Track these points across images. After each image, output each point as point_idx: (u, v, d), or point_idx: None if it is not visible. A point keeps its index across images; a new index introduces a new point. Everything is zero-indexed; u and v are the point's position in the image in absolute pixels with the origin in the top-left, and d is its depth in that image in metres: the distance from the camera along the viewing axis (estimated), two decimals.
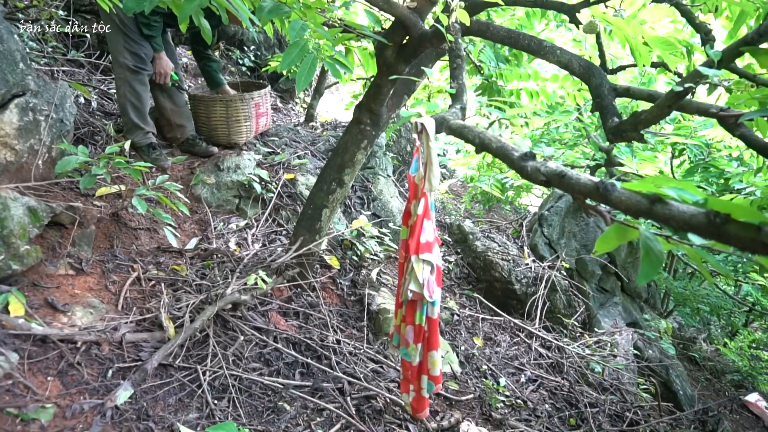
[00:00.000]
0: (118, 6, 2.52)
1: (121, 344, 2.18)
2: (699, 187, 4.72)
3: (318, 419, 2.27)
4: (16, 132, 2.54)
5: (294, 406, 2.28)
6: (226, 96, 3.65)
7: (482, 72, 4.42)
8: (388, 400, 2.50)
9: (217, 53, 5.56)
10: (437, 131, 1.54)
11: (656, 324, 5.32)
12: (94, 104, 3.58)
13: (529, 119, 5.46)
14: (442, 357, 2.99)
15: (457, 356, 3.22)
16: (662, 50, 2.28)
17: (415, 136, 1.53)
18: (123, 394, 1.95)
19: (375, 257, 3.45)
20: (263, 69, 5.38)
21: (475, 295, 4.10)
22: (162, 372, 2.17)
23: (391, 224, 3.95)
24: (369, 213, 3.93)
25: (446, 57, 2.66)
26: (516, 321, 3.93)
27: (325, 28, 2.07)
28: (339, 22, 2.24)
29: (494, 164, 6.42)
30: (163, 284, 2.59)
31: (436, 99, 4.41)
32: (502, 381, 3.18)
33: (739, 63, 2.21)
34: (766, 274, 6.12)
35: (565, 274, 4.46)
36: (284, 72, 5.25)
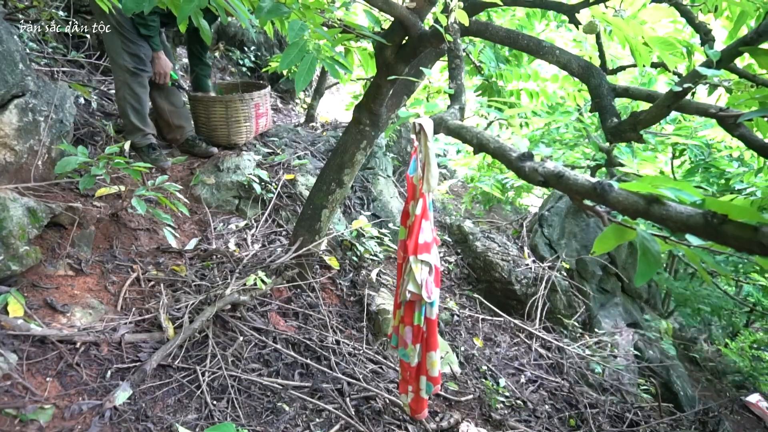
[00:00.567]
0: (117, 6, 2.52)
1: (120, 345, 2.18)
2: (699, 187, 4.72)
3: (317, 420, 2.27)
4: (16, 132, 2.54)
5: (293, 406, 2.28)
6: (225, 96, 3.65)
7: (482, 72, 4.42)
8: (388, 401, 2.50)
9: (217, 53, 5.56)
10: (435, 132, 1.54)
11: (657, 324, 5.31)
12: (94, 105, 3.58)
13: (529, 119, 5.46)
14: (441, 358, 2.99)
15: (457, 357, 3.21)
16: (662, 50, 2.27)
17: (413, 136, 1.53)
18: (122, 395, 1.95)
19: (375, 258, 3.45)
20: (263, 69, 5.39)
21: (475, 295, 4.09)
22: (161, 373, 2.17)
23: (390, 225, 3.95)
24: (369, 213, 3.93)
25: (446, 57, 2.66)
26: (516, 321, 3.92)
27: (325, 29, 2.07)
28: (338, 22, 2.24)
29: (494, 165, 6.41)
30: (162, 285, 2.59)
31: (435, 99, 4.42)
32: (502, 381, 3.18)
33: (739, 63, 2.21)
34: (767, 275, 6.11)
35: (565, 274, 4.46)
36: (284, 72, 5.26)
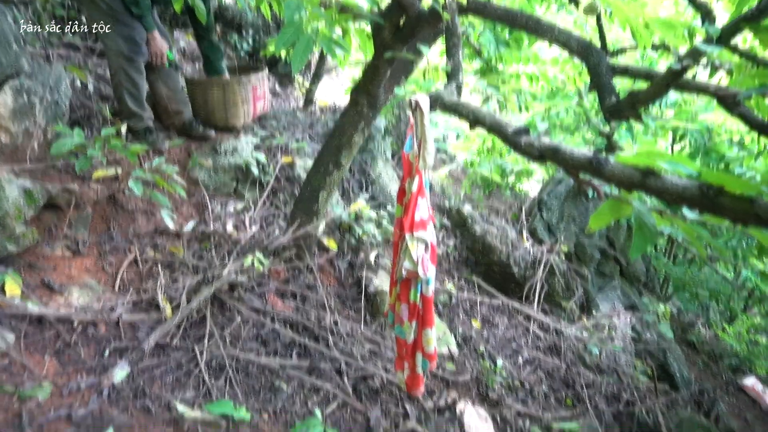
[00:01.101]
0: None
1: (118, 324, 2.19)
2: None
3: (315, 398, 2.28)
4: (11, 114, 2.53)
5: (291, 385, 2.29)
6: (223, 79, 3.62)
7: (482, 55, 4.38)
8: (385, 380, 2.52)
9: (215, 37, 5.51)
10: (432, 108, 1.53)
11: (654, 308, 5.33)
12: (90, 87, 3.56)
13: (529, 103, 5.43)
14: (439, 338, 3.01)
15: (455, 338, 3.23)
16: (663, 32, 2.25)
17: (409, 113, 1.52)
18: (120, 373, 1.97)
19: (373, 240, 3.45)
20: (261, 53, 5.34)
21: (474, 278, 4.10)
22: (159, 352, 2.18)
23: (389, 207, 3.94)
24: (367, 196, 3.93)
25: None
26: (514, 304, 3.94)
27: (322, 9, 2.04)
28: (335, 2, 2.21)
29: (495, 149, 6.40)
30: (160, 266, 2.59)
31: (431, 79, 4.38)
32: (499, 362, 3.20)
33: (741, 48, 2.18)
34: (765, 259, 6.12)
35: (563, 257, 4.46)
36: (282, 56, 5.22)
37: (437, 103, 1.51)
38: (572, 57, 4.07)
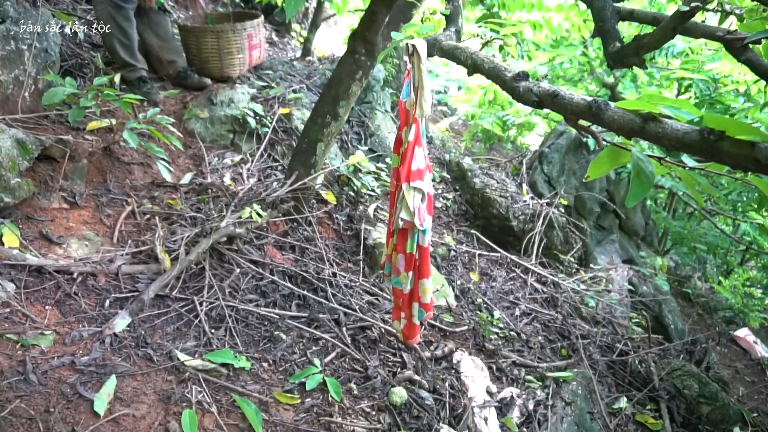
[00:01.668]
0: None
1: (117, 275, 2.20)
2: None
3: (314, 348, 2.32)
4: None
5: (290, 335, 2.33)
6: (217, 26, 3.51)
7: (484, 2, 4.24)
8: (383, 331, 2.56)
9: None
10: (429, 54, 1.48)
11: (652, 261, 5.37)
12: (80, 35, 3.45)
13: (532, 53, 5.29)
14: (437, 290, 3.04)
15: (453, 290, 3.27)
16: None
17: (406, 58, 1.47)
18: (121, 323, 1.99)
19: (372, 193, 3.44)
20: (257, 0, 5.17)
21: (473, 231, 4.11)
22: (159, 302, 2.21)
23: (388, 160, 3.91)
24: (366, 149, 3.89)
25: None
26: (512, 257, 3.96)
27: None
28: None
29: (496, 101, 6.29)
30: (157, 218, 2.59)
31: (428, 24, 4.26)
32: (497, 314, 3.25)
33: None
34: (765, 212, 6.12)
35: (563, 211, 4.46)
36: (278, 3, 5.05)
37: (435, 48, 1.46)
38: (576, 3, 3.93)
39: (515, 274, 3.87)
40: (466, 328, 2.96)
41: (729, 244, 6.81)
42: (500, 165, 5.29)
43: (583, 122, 1.15)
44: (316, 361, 2.22)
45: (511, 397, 2.54)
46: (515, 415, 2.46)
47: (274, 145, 3.43)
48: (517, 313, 3.43)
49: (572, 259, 4.30)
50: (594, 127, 1.16)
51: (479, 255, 3.88)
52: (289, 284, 2.59)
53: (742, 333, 5.38)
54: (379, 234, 3.14)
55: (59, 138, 2.47)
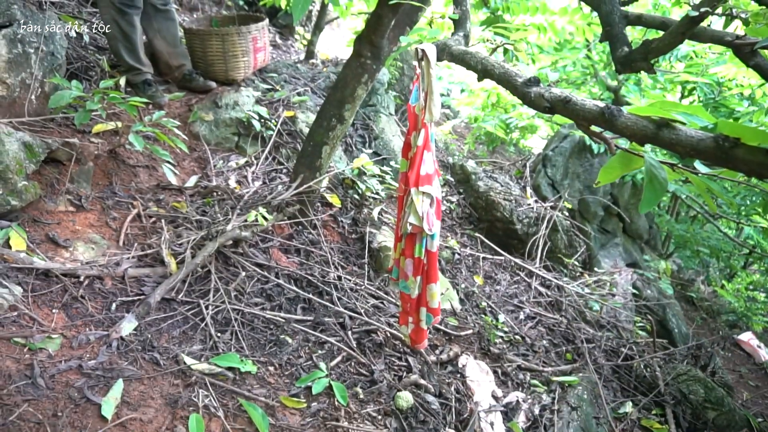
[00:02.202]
0: None
1: (124, 279, 2.20)
2: None
3: (319, 351, 2.32)
4: (6, 65, 2.47)
5: (296, 339, 2.33)
6: (222, 29, 3.52)
7: (488, 5, 4.24)
8: (389, 334, 2.55)
9: None
10: (439, 58, 1.48)
11: (656, 265, 5.36)
12: (86, 38, 3.46)
13: (536, 56, 5.28)
14: (442, 294, 3.03)
15: (458, 294, 3.26)
16: None
17: (415, 63, 1.47)
18: (128, 326, 1.99)
19: (376, 196, 3.43)
20: (261, 2, 5.18)
21: (477, 234, 4.11)
22: (165, 306, 2.21)
23: (392, 163, 3.91)
24: (370, 152, 3.88)
25: None
26: (516, 260, 3.95)
27: None
28: None
29: (499, 104, 6.28)
30: (163, 221, 2.59)
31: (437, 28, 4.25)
32: (501, 318, 3.24)
33: None
34: None
35: (567, 214, 4.46)
36: (282, 6, 5.06)
37: (445, 52, 1.46)
38: (581, 7, 3.93)
39: (519, 277, 3.86)
40: (470, 331, 2.95)
41: (732, 247, 6.80)
42: (504, 168, 5.29)
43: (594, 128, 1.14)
44: (322, 365, 2.22)
45: (517, 401, 2.54)
46: (521, 420, 2.45)
47: (278, 148, 3.44)
48: (522, 316, 3.42)
49: (576, 263, 4.30)
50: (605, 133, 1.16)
51: (483, 258, 3.87)
52: (294, 287, 2.59)
53: (746, 337, 5.36)
54: (383, 237, 3.14)
55: (65, 141, 2.47)
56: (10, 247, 2.04)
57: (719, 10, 2.19)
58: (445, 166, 4.79)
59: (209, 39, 3.48)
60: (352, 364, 2.35)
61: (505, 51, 2.06)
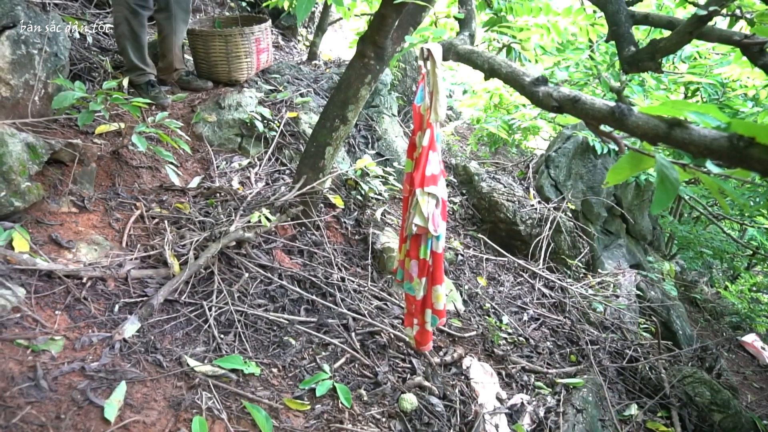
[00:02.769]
0: None
1: (127, 280, 2.19)
2: None
3: (323, 353, 2.31)
4: (10, 66, 2.46)
5: (299, 340, 2.32)
6: (225, 30, 3.51)
7: (491, 6, 4.23)
8: (392, 336, 2.54)
9: None
10: (444, 58, 1.47)
11: (659, 266, 5.34)
12: (89, 39, 3.46)
13: (539, 57, 5.27)
14: (446, 295, 3.02)
15: (461, 295, 3.25)
16: None
17: (420, 63, 1.46)
18: (130, 328, 1.98)
19: (379, 197, 3.42)
20: (264, 4, 5.17)
21: (480, 235, 4.10)
22: (168, 307, 2.20)
23: (395, 164, 3.90)
24: (373, 152, 3.87)
25: None
26: (520, 261, 3.94)
27: None
28: None
29: (501, 105, 6.27)
30: (166, 222, 2.58)
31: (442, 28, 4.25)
32: (505, 319, 3.22)
33: None
34: None
35: (570, 215, 4.44)
36: (285, 7, 5.05)
37: (450, 52, 1.45)
38: (584, 7, 3.92)
39: (523, 278, 3.85)
40: (474, 333, 2.94)
41: (736, 248, 6.78)
42: (507, 169, 5.28)
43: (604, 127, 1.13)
44: (326, 367, 2.20)
45: (522, 403, 2.52)
46: (526, 422, 2.43)
47: (281, 149, 3.43)
48: (525, 318, 3.40)
49: (580, 264, 4.28)
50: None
51: (486, 259, 3.86)
52: (297, 289, 2.57)
53: (750, 339, 5.34)
54: (387, 238, 3.12)
55: (68, 142, 2.47)
56: (13, 249, 2.03)
57: (724, 11, 2.18)
58: (448, 167, 4.78)
59: (212, 40, 3.47)
60: (356, 365, 2.34)
61: (509, 50, 2.04)
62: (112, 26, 3.84)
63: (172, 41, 3.38)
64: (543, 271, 3.90)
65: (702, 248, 6.62)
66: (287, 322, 2.36)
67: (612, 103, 1.04)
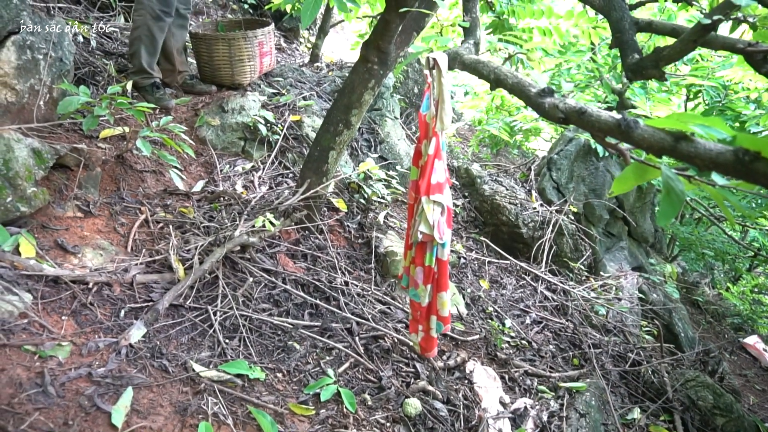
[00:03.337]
0: None
1: (132, 285, 2.20)
2: None
3: (327, 358, 2.32)
4: (16, 71, 2.47)
5: (304, 345, 2.33)
6: (228, 34, 3.53)
7: (493, 9, 4.24)
8: (396, 340, 2.55)
9: None
10: (450, 67, 1.47)
11: (661, 268, 5.35)
12: (93, 43, 3.47)
13: (541, 59, 5.27)
14: (450, 300, 3.03)
15: (464, 298, 3.26)
16: None
17: (426, 72, 1.47)
18: (136, 333, 1.99)
19: (382, 200, 3.43)
20: (266, 7, 5.18)
21: (482, 238, 4.10)
22: (173, 312, 2.21)
23: (398, 167, 3.90)
24: (376, 156, 3.88)
25: None
26: (522, 264, 3.95)
27: None
28: None
29: (503, 106, 6.27)
30: (171, 226, 2.59)
31: (447, 36, 4.25)
32: (508, 322, 3.23)
33: None
34: None
35: (572, 218, 4.45)
36: (288, 10, 5.06)
37: (456, 61, 1.46)
38: (586, 10, 3.92)
39: (525, 281, 3.86)
40: (477, 337, 2.95)
41: (737, 250, 6.78)
42: (509, 171, 5.28)
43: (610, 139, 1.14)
44: (330, 372, 2.21)
45: (525, 408, 2.53)
46: (529, 427, 2.44)
47: (284, 153, 3.44)
48: (528, 321, 3.41)
49: (582, 267, 4.29)
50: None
51: (489, 262, 3.87)
52: (301, 293, 2.58)
53: (752, 340, 5.34)
54: (390, 242, 3.13)
55: (73, 146, 2.48)
56: (19, 254, 2.05)
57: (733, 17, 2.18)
58: (450, 169, 4.79)
59: (216, 44, 3.48)
60: (360, 370, 2.35)
61: (513, 60, 2.05)
62: (115, 29, 3.86)
63: (170, 44, 3.38)
64: (545, 274, 3.91)
65: (704, 250, 6.62)
66: (291, 326, 2.37)
67: (618, 116, 1.05)
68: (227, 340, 2.18)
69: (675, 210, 1.04)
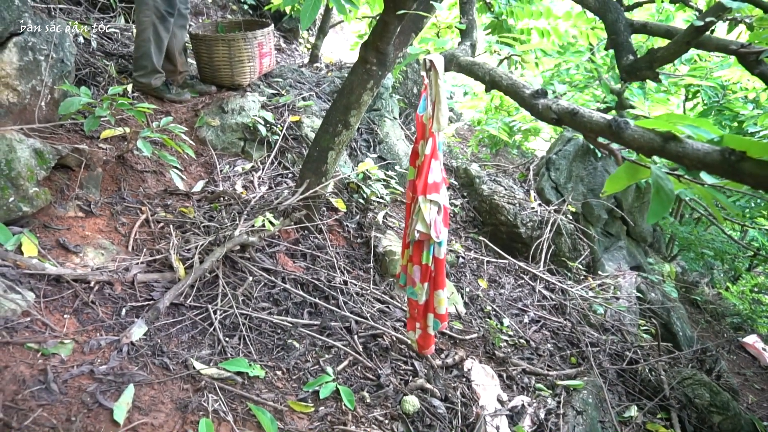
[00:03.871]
0: None
1: (133, 284, 2.22)
2: None
3: (326, 356, 2.34)
4: (17, 72, 2.49)
5: (303, 343, 2.35)
6: (228, 35, 3.55)
7: (492, 10, 4.26)
8: (394, 338, 2.57)
9: None
10: (446, 69, 1.50)
11: (660, 268, 5.37)
12: (93, 44, 3.49)
13: (539, 59, 5.30)
14: (447, 298, 3.05)
15: (462, 297, 3.28)
16: None
17: (423, 73, 1.49)
18: (138, 331, 2.01)
19: (381, 200, 3.45)
20: (266, 7, 5.21)
21: (481, 238, 4.13)
22: (174, 311, 2.23)
23: (397, 167, 3.93)
24: (375, 156, 3.91)
25: None
26: (521, 264, 3.97)
27: None
28: None
29: (502, 107, 6.30)
30: (171, 226, 2.61)
31: (444, 37, 4.28)
32: (506, 321, 3.25)
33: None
34: None
35: (571, 218, 4.47)
36: (287, 10, 5.09)
37: (452, 63, 1.48)
38: (585, 11, 3.95)
39: (523, 281, 3.88)
40: (475, 335, 2.97)
41: (737, 249, 6.80)
42: (507, 171, 5.30)
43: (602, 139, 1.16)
44: (329, 369, 2.23)
45: (522, 405, 2.55)
46: (526, 424, 2.47)
47: (284, 153, 3.46)
48: (526, 320, 3.43)
49: (580, 266, 4.31)
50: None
51: (487, 262, 3.89)
52: (301, 292, 2.61)
53: (751, 339, 5.36)
54: (388, 241, 3.16)
55: (75, 147, 2.50)
56: (22, 253, 2.07)
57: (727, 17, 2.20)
58: (448, 169, 4.81)
59: (215, 44, 3.51)
60: (359, 368, 2.37)
61: (511, 62, 2.07)
62: (115, 29, 3.89)
63: (172, 44, 3.41)
64: (543, 274, 3.93)
65: (703, 249, 6.64)
66: (291, 325, 2.40)
67: (609, 117, 1.07)
68: (227, 339, 2.20)
69: (665, 208, 1.07)
